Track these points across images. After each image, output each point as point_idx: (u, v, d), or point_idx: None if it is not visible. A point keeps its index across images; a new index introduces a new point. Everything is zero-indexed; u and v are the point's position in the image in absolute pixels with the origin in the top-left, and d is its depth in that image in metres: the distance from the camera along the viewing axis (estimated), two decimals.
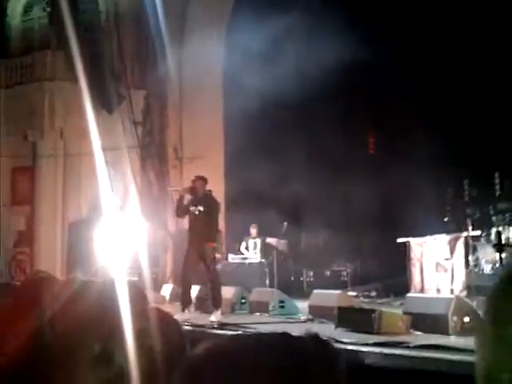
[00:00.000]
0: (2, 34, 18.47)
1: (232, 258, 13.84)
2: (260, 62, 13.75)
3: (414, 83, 13.98)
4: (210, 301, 9.32)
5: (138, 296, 1.20)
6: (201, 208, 9.21)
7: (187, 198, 9.69)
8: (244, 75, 13.92)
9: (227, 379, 0.89)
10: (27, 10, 18.80)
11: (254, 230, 13.87)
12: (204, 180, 9.54)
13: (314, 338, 0.97)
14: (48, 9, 17.84)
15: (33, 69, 17.79)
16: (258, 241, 13.73)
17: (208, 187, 9.69)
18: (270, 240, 13.90)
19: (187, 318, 8.69)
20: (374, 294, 13.56)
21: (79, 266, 13.36)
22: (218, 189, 17.22)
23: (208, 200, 9.37)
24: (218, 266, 13.56)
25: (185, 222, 10.52)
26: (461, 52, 13.95)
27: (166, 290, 12.31)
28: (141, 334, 1.13)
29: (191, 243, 9.42)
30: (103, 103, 16.65)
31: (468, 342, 6.07)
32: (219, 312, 9.08)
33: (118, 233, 11.65)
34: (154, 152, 18.01)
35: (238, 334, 0.99)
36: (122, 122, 16.74)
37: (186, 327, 6.98)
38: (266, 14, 14.00)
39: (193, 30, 16.63)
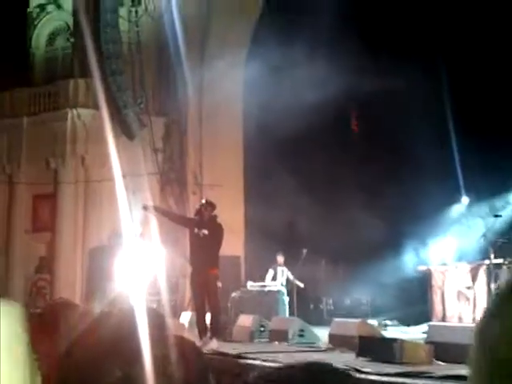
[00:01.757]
0: (27, 64, 18.81)
1: (251, 285, 13.74)
2: (280, 88, 13.81)
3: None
4: (209, 329, 9.19)
5: (158, 323, 1.17)
6: (205, 232, 9.17)
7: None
8: (264, 101, 13.98)
9: None
10: (51, 40, 19.17)
11: (280, 258, 13.76)
12: (212, 205, 9.52)
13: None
14: (71, 39, 18.17)
15: (56, 97, 18.05)
16: (285, 269, 13.62)
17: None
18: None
19: (206, 345, 8.62)
20: (394, 322, 13.39)
21: (99, 292, 13.36)
22: (237, 216, 17.27)
23: (213, 224, 9.33)
24: (238, 293, 13.57)
25: None
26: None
27: (185, 317, 12.24)
28: (162, 361, 1.10)
29: (194, 268, 9.37)
30: (124, 130, 16.83)
31: None
32: (215, 340, 8.96)
33: (137, 259, 11.65)
34: (174, 178, 18.09)
35: (292, 365, 0.93)
36: (143, 148, 16.87)
37: (208, 355, 6.89)
38: (286, 39, 14.09)
39: (213, 57, 16.78)
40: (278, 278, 13.51)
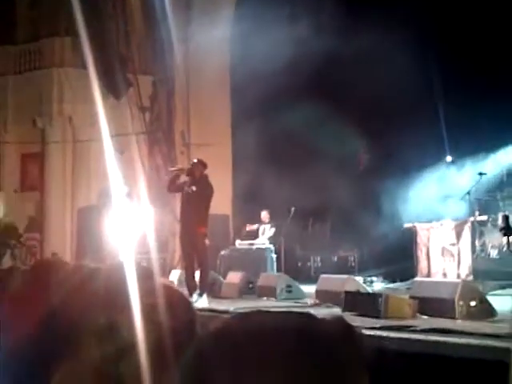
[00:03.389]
0: (11, 21, 18.49)
1: (239, 243, 13.88)
2: (268, 46, 13.69)
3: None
4: (198, 286, 9.34)
5: (146, 274, 1.22)
6: (194, 188, 9.26)
7: (184, 179, 9.75)
8: (252, 60, 13.87)
9: (238, 363, 0.80)
10: None
11: (264, 215, 13.85)
12: (203, 164, 9.58)
13: (340, 321, 0.90)
14: None
15: (41, 55, 17.84)
16: (268, 226, 13.73)
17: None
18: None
19: (197, 303, 8.77)
20: (380, 278, 13.62)
21: (88, 250, 13.46)
22: (225, 175, 17.31)
23: (203, 183, 9.41)
24: (226, 251, 13.72)
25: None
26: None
27: (174, 275, 12.39)
28: (149, 310, 1.13)
29: (182, 226, 9.49)
30: (111, 89, 16.69)
31: (474, 325, 6.11)
32: (204, 297, 9.13)
33: (126, 218, 11.71)
34: (162, 138, 18.05)
35: (256, 311, 0.90)
36: (130, 107, 16.79)
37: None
38: None
39: (199, 15, 16.58)
40: (260, 236, 13.64)
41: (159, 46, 17.46)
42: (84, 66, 13.62)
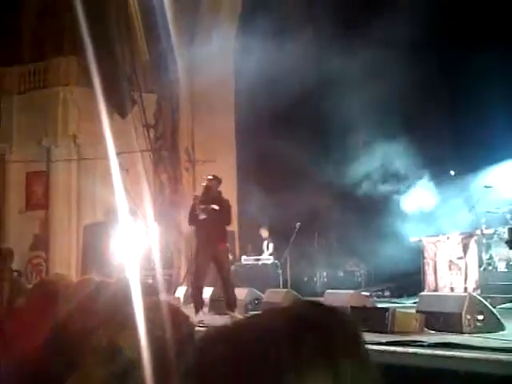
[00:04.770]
0: (17, 40, 18.65)
1: (245, 259, 13.89)
2: (273, 63, 13.77)
3: None
4: (225, 303, 9.28)
5: (150, 291, 1.24)
6: (215, 207, 9.19)
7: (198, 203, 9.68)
8: (256, 76, 13.95)
9: (240, 358, 0.83)
10: (41, 15, 18.96)
11: (264, 232, 13.91)
12: (219, 180, 9.56)
13: (336, 311, 0.91)
14: (62, 15, 17.99)
15: (47, 74, 17.98)
16: (266, 242, 13.79)
17: (221, 189, 9.69)
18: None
19: (202, 319, 8.74)
20: (387, 293, 13.56)
21: (94, 268, 13.46)
22: (230, 191, 17.29)
23: (220, 200, 9.38)
24: (232, 267, 13.69)
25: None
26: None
27: (180, 292, 12.37)
28: (150, 326, 1.15)
29: (203, 244, 9.35)
30: (116, 107, 16.79)
31: (481, 340, 6.08)
32: (236, 313, 9.07)
33: (131, 236, 11.72)
34: (167, 155, 18.11)
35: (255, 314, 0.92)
36: (135, 125, 16.86)
37: (201, 328, 6.98)
38: (278, 12, 14.00)
39: (203, 33, 16.70)
40: (264, 252, 13.68)
41: (163, 63, 17.57)
42: (89, 85, 13.71)
